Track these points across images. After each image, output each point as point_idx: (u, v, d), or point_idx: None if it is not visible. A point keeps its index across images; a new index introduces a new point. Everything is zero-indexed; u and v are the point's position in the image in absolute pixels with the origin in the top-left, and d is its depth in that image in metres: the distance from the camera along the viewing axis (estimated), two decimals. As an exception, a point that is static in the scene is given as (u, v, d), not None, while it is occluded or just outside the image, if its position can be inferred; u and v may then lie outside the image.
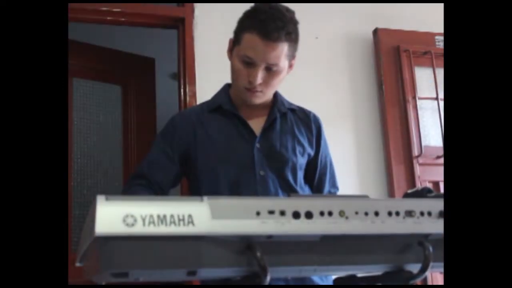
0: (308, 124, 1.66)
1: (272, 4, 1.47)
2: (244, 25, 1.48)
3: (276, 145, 1.56)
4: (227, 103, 1.61)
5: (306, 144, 1.61)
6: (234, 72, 1.53)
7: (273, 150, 1.55)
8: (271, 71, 1.48)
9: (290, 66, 1.54)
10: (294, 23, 1.48)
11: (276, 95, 1.64)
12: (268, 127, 1.58)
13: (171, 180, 1.59)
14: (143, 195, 1.49)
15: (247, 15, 1.50)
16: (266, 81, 1.49)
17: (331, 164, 1.71)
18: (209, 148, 1.54)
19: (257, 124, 1.58)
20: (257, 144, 1.54)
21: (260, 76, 1.47)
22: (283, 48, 1.46)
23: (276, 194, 1.51)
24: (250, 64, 1.47)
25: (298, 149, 1.58)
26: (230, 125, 1.58)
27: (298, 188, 1.56)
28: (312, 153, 1.63)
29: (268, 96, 1.58)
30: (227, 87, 1.68)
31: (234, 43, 1.53)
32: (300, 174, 1.59)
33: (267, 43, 1.43)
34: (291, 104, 1.68)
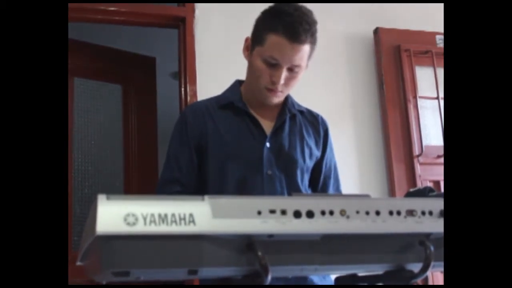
0: (316, 126, 1.66)
1: (293, 4, 1.48)
2: (268, 25, 1.48)
3: (285, 145, 1.56)
4: (239, 100, 1.60)
5: (313, 146, 1.62)
6: (255, 71, 1.52)
7: (282, 151, 1.55)
8: (292, 71, 1.49)
9: (306, 66, 1.55)
10: (316, 24, 1.50)
11: (287, 96, 1.64)
12: (279, 127, 1.58)
13: (198, 180, 1.58)
14: None
15: (270, 16, 1.49)
16: (287, 82, 1.50)
17: (335, 168, 1.71)
18: (218, 144, 1.54)
19: (267, 124, 1.59)
20: (267, 144, 1.54)
21: (283, 76, 1.47)
22: (307, 49, 1.48)
23: (282, 194, 1.51)
24: (273, 65, 1.47)
25: (306, 151, 1.59)
26: (241, 123, 1.57)
27: (303, 190, 1.56)
28: (319, 155, 1.63)
29: (284, 96, 1.60)
30: (237, 84, 1.67)
31: (255, 43, 1.52)
32: (306, 177, 1.59)
33: (294, 45, 1.44)
34: (300, 106, 1.68)
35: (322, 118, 1.70)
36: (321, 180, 1.65)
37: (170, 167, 1.58)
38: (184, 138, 1.58)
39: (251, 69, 1.55)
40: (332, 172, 1.69)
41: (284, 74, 1.47)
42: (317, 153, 1.62)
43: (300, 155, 1.56)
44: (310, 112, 1.70)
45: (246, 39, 1.57)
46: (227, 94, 1.66)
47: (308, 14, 1.47)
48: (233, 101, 1.60)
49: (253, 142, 1.54)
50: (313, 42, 1.49)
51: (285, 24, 1.44)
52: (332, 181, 1.68)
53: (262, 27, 1.50)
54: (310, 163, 1.60)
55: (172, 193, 1.52)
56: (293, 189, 1.52)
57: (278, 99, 1.55)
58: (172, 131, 1.64)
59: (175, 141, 1.61)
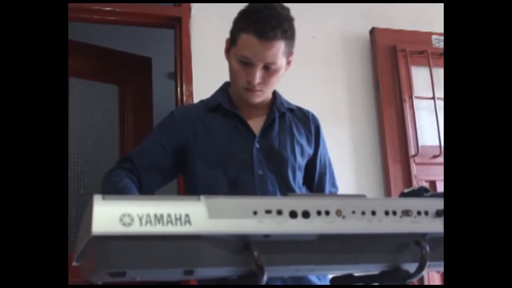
0: (306, 123, 1.66)
1: (267, 3, 1.47)
2: (240, 25, 1.49)
3: (275, 144, 1.56)
4: (227, 102, 1.61)
5: (305, 144, 1.61)
6: (232, 72, 1.54)
7: (272, 150, 1.55)
8: (269, 69, 1.48)
9: (288, 63, 1.55)
10: (289, 20, 1.49)
11: (275, 94, 1.64)
12: (268, 127, 1.58)
13: (160, 173, 1.57)
14: (122, 182, 1.45)
15: (241, 15, 1.50)
16: (265, 80, 1.50)
17: (330, 164, 1.71)
18: (208, 146, 1.54)
19: (256, 124, 1.59)
20: (256, 144, 1.54)
21: (258, 75, 1.47)
22: (280, 46, 1.46)
23: (275, 194, 1.50)
24: (247, 64, 1.47)
25: (297, 149, 1.58)
26: (230, 124, 1.58)
27: (296, 189, 1.55)
28: (311, 152, 1.63)
29: (267, 94, 1.59)
30: (226, 85, 1.68)
31: (231, 44, 1.53)
32: (299, 175, 1.59)
33: (263, 43, 1.44)
34: (289, 104, 1.68)
35: (312, 115, 1.70)
36: (317, 176, 1.66)
37: (133, 151, 1.60)
38: (166, 132, 1.59)
39: (230, 70, 1.56)
40: (327, 168, 1.69)
41: (259, 72, 1.47)
42: (309, 150, 1.62)
43: (290, 153, 1.56)
44: (300, 110, 1.69)
45: (226, 41, 1.58)
46: (215, 96, 1.67)
47: (279, 11, 1.46)
48: (222, 103, 1.61)
49: (243, 143, 1.55)
50: (287, 38, 1.47)
51: (253, 22, 1.44)
52: (327, 177, 1.68)
53: (236, 27, 1.51)
54: (302, 161, 1.59)
55: (118, 167, 1.53)
56: (285, 188, 1.52)
57: (259, 98, 1.55)
58: (156, 124, 1.65)
59: (153, 132, 1.62)
